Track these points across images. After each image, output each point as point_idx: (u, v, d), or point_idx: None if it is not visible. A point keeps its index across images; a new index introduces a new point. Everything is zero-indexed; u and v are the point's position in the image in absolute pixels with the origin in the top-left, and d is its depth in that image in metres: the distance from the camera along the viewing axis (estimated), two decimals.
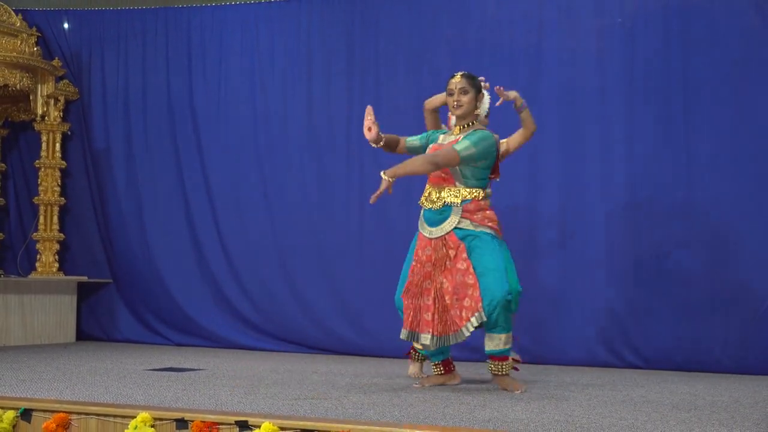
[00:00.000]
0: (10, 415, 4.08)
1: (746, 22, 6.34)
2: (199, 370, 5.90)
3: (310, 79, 7.66)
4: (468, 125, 5.01)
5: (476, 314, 4.76)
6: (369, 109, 5.08)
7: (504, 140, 5.45)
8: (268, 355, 7.13)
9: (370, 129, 5.04)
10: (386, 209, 7.27)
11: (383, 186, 4.76)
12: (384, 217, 7.30)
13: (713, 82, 6.39)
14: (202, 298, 7.90)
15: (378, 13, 7.50)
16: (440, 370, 5.20)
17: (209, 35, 8.02)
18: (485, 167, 4.96)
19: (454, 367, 5.25)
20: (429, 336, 4.88)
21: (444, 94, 5.15)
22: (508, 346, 4.88)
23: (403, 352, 5.82)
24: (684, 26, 6.49)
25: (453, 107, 5.00)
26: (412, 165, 4.85)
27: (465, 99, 4.96)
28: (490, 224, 4.91)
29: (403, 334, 5.05)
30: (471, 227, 4.88)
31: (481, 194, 4.95)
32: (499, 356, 4.90)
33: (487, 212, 4.94)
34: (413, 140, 5.23)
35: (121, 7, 8.29)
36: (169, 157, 8.08)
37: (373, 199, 4.81)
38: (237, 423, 3.71)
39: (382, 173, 4.78)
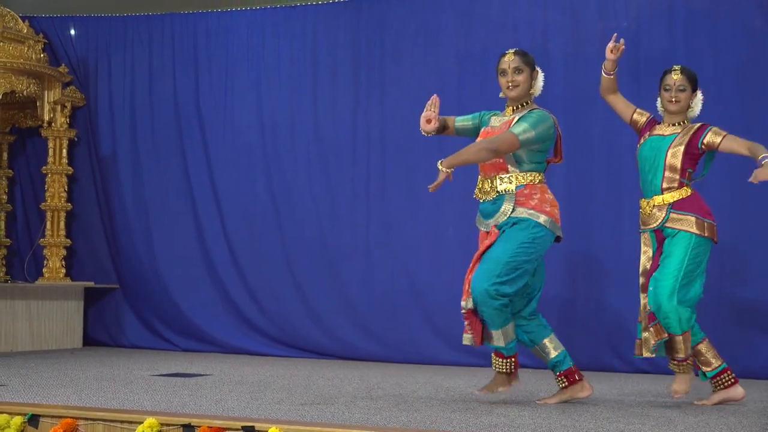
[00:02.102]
0: (17, 420, 4.09)
1: (751, 24, 6.34)
2: (206, 375, 5.90)
3: (316, 85, 7.67)
4: (522, 105, 4.65)
5: (465, 299, 4.48)
6: (435, 100, 4.69)
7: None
8: (274, 361, 7.13)
9: (429, 121, 4.66)
10: (394, 215, 7.27)
11: (441, 177, 4.39)
12: (391, 221, 7.30)
13: (719, 84, 6.37)
14: (209, 304, 7.90)
15: (383, 19, 7.50)
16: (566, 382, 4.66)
17: (215, 41, 8.03)
18: (543, 150, 4.62)
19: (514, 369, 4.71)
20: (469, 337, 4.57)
21: (604, 75, 4.94)
22: (500, 344, 4.52)
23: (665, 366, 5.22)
24: (689, 29, 6.49)
25: (507, 88, 4.63)
26: (468, 153, 4.47)
27: (520, 78, 4.61)
28: (548, 209, 4.56)
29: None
30: (525, 215, 4.51)
31: (538, 178, 4.59)
32: (495, 352, 4.60)
33: (547, 195, 4.59)
34: (464, 121, 4.81)
35: (127, 13, 8.30)
36: (176, 162, 8.09)
37: (432, 188, 4.44)
38: (244, 428, 3.71)
39: (439, 164, 4.43)
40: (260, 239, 7.76)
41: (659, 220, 4.80)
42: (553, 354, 4.66)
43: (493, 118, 4.74)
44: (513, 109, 4.67)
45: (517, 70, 4.61)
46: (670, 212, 4.75)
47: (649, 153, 4.86)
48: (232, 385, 5.33)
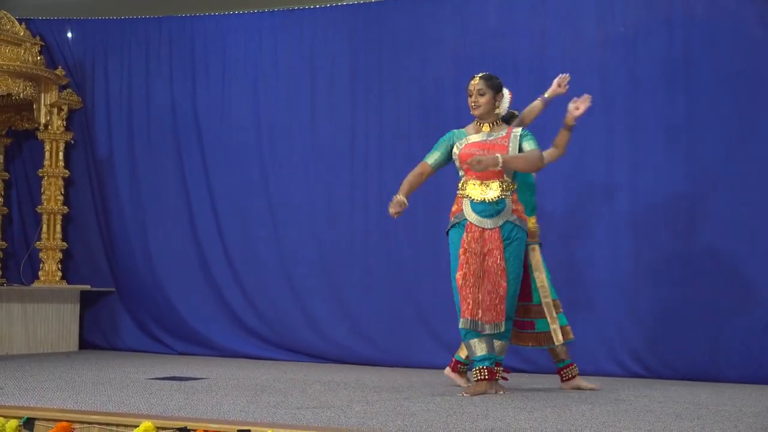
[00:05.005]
0: (12, 424, 4.08)
1: (749, 32, 6.35)
2: (202, 379, 5.89)
3: (313, 89, 7.67)
4: (495, 123, 5.25)
5: (500, 322, 5.06)
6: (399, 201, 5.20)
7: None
8: (270, 364, 7.13)
9: (397, 214, 5.22)
10: (390, 218, 7.27)
11: (490, 164, 4.97)
12: (388, 225, 7.29)
13: (716, 92, 6.39)
14: (205, 307, 7.89)
15: (380, 23, 7.51)
16: (484, 376, 5.10)
17: (212, 44, 8.04)
18: None
19: (495, 375, 5.18)
20: (488, 324, 5.05)
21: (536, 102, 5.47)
22: (503, 355, 5.26)
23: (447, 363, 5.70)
24: (687, 36, 6.50)
25: (471, 108, 5.25)
26: (523, 162, 5.10)
27: (482, 100, 5.21)
28: (524, 216, 5.23)
29: (463, 323, 5.06)
30: (518, 222, 5.16)
31: (515, 186, 5.24)
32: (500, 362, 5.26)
33: (520, 205, 5.24)
34: (436, 157, 5.30)
35: (124, 16, 8.31)
36: (172, 165, 8.09)
37: (478, 164, 4.95)
38: None
39: (500, 159, 4.96)
40: (256, 243, 7.77)
41: None
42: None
43: (472, 133, 5.26)
44: (490, 126, 5.25)
45: (480, 93, 5.22)
46: None
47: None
48: (228, 388, 5.33)
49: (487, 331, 5.04)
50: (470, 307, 5.03)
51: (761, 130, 6.29)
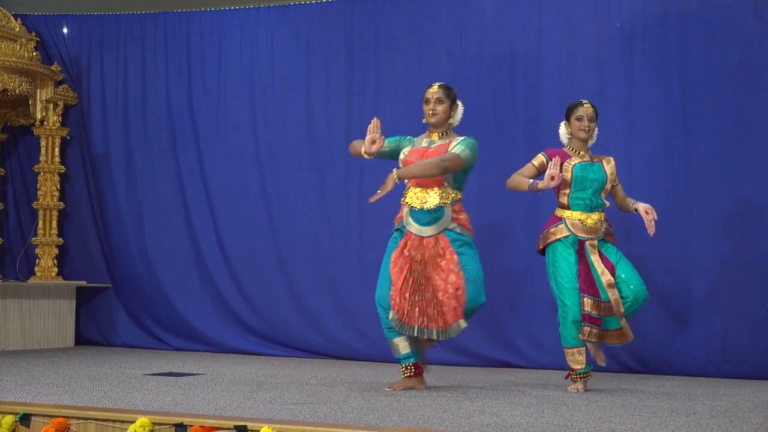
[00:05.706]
0: (9, 419, 4.08)
1: (745, 27, 6.35)
2: (198, 374, 5.90)
3: (309, 84, 7.67)
4: (445, 133, 5.22)
5: (462, 318, 5.03)
6: (376, 123, 5.07)
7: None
8: (267, 360, 7.13)
9: (374, 142, 5.05)
10: (385, 214, 7.26)
11: (390, 187, 4.99)
12: (383, 222, 7.28)
13: (712, 87, 6.39)
14: (201, 303, 7.89)
15: (377, 18, 7.50)
16: (410, 372, 5.20)
17: (208, 40, 8.03)
18: (467, 171, 5.21)
19: (422, 371, 5.28)
20: (435, 331, 5.04)
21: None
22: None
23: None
24: (683, 31, 6.50)
25: (428, 115, 5.20)
26: (422, 168, 5.02)
27: (440, 108, 5.17)
28: (468, 227, 5.17)
29: (393, 318, 5.05)
30: (459, 230, 5.10)
31: (459, 195, 5.20)
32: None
33: (464, 214, 5.18)
34: (386, 145, 5.22)
35: (120, 12, 8.29)
36: (168, 161, 8.08)
37: (376, 198, 5.00)
38: (236, 428, 3.71)
39: (395, 174, 4.99)
40: (252, 238, 7.76)
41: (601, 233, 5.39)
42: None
43: (418, 140, 5.24)
44: (439, 135, 5.21)
45: (439, 101, 5.18)
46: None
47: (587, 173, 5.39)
48: (224, 384, 5.33)
49: (440, 338, 5.07)
50: (406, 311, 5.03)
51: (757, 124, 6.29)
